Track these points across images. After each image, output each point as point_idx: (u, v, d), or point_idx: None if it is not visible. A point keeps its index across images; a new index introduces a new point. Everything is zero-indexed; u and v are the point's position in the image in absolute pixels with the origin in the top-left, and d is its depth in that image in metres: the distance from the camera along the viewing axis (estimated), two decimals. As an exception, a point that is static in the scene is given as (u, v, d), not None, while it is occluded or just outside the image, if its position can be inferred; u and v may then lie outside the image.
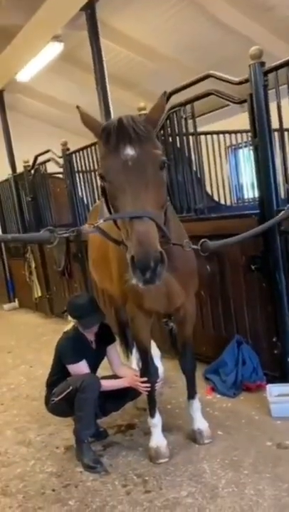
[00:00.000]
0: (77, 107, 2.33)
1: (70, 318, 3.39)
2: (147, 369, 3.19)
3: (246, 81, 3.60)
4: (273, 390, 3.60)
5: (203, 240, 2.86)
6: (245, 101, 3.68)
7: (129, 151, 2.17)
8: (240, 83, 3.67)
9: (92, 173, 6.07)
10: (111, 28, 7.80)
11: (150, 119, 2.32)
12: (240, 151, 7.72)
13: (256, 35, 7.32)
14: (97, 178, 5.76)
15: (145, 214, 2.12)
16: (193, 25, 7.69)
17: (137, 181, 2.15)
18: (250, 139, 3.93)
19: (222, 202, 6.48)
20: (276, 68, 3.49)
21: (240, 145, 7.23)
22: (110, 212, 2.36)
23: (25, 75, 8.62)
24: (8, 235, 3.39)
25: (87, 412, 3.15)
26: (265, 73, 3.53)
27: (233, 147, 7.44)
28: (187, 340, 3.27)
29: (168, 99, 4.35)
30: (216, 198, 6.30)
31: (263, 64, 3.53)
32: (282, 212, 3.15)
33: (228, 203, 6.83)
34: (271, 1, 7.02)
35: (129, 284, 2.20)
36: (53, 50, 7.63)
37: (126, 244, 2.24)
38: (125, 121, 2.20)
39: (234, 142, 7.05)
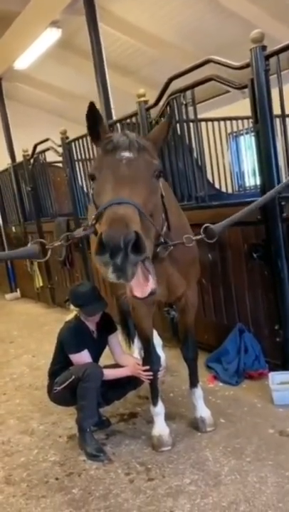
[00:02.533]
0: (92, 103, 2.27)
1: (72, 307, 3.38)
2: (149, 358, 3.19)
3: (247, 66, 3.53)
4: (275, 377, 3.60)
5: (205, 225, 2.71)
6: (246, 86, 3.62)
7: (126, 153, 2.16)
8: (241, 68, 3.60)
9: (92, 162, 6.02)
10: (110, 13, 7.68)
11: (153, 137, 2.40)
12: (242, 138, 7.64)
13: (257, 18, 7.19)
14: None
15: (129, 201, 1.98)
16: (192, 9, 7.57)
17: (127, 178, 2.10)
18: (251, 125, 3.87)
19: (223, 190, 6.43)
20: (277, 52, 3.42)
21: (242, 132, 7.16)
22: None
23: (23, 62, 8.51)
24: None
25: (90, 401, 3.15)
26: (267, 57, 3.46)
27: (235, 134, 7.35)
28: (189, 329, 3.26)
29: (168, 85, 4.31)
30: (217, 185, 6.25)
31: (264, 48, 3.45)
32: (285, 180, 3.07)
33: (230, 190, 6.78)
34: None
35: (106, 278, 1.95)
36: (51, 36, 7.52)
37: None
38: (128, 133, 2.26)
39: (235, 129, 6.98)
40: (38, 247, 2.44)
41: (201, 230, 2.74)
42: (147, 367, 3.17)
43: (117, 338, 3.56)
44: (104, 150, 2.21)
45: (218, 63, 3.80)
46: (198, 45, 8.01)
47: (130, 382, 3.37)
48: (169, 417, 3.33)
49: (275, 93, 3.53)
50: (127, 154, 2.16)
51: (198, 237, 2.73)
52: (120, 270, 1.84)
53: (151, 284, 2.07)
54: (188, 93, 4.28)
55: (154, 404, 3.22)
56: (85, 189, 6.46)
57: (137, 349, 4.38)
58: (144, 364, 3.21)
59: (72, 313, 3.40)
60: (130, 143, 2.18)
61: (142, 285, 2.06)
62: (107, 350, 3.51)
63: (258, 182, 3.99)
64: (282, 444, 2.97)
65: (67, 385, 3.20)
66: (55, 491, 2.87)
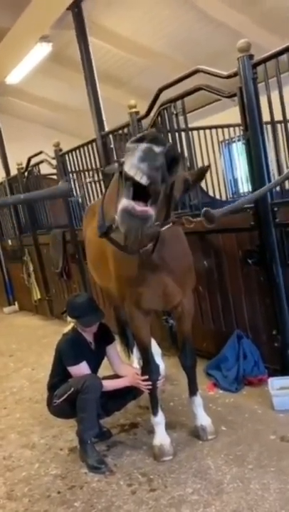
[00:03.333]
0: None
1: (69, 318, 3.38)
2: (148, 367, 3.19)
3: (235, 75, 3.58)
4: (275, 383, 3.60)
5: (205, 209, 2.58)
6: (234, 95, 3.66)
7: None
8: (228, 77, 3.65)
9: (86, 173, 6.05)
10: (99, 26, 7.76)
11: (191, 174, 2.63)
12: (234, 145, 7.69)
13: (244, 28, 7.27)
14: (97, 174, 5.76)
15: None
16: (181, 20, 7.65)
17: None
18: (242, 132, 3.91)
19: (217, 197, 6.46)
20: (264, 61, 3.47)
21: (234, 139, 7.21)
22: None
23: (14, 77, 8.58)
24: (20, 195, 3.17)
25: (90, 413, 3.14)
26: (254, 66, 3.51)
27: (226, 142, 7.41)
28: (186, 336, 3.26)
29: (158, 95, 4.35)
30: (210, 193, 6.28)
31: (251, 57, 3.51)
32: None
33: (224, 197, 6.81)
34: (259, -8, 7.00)
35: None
36: (42, 50, 7.58)
37: None
38: None
39: (227, 137, 7.03)
40: (69, 184, 2.47)
41: (202, 213, 2.59)
42: (146, 376, 3.16)
43: (116, 349, 3.56)
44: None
45: (207, 73, 3.85)
46: (188, 54, 8.09)
47: (130, 393, 3.36)
48: (169, 427, 3.33)
49: (264, 100, 3.57)
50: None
51: (198, 219, 2.62)
52: (147, 161, 1.97)
53: (149, 209, 2.14)
54: (179, 103, 4.33)
55: (155, 413, 3.21)
56: (79, 200, 6.48)
57: (136, 359, 4.37)
58: (143, 374, 3.20)
59: (69, 325, 3.40)
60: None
61: (141, 205, 2.14)
62: (106, 361, 3.50)
63: (251, 189, 4.01)
64: (283, 450, 2.96)
65: (67, 398, 3.19)
66: (57, 505, 2.85)
